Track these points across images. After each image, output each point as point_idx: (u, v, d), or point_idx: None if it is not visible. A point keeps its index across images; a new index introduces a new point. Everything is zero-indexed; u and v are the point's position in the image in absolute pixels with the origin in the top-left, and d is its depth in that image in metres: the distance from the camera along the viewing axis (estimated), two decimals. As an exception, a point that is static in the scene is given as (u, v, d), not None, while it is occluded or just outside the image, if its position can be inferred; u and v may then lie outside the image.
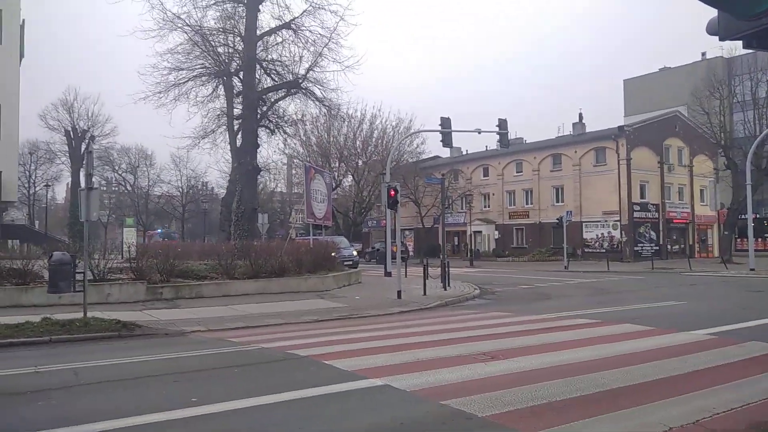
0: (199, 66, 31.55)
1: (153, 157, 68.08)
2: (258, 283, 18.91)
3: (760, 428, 5.36)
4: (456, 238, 57.39)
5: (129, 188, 68.51)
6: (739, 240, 46.05)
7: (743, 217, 36.14)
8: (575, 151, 47.21)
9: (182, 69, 30.89)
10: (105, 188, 71.92)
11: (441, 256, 27.45)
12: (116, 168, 66.93)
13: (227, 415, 5.96)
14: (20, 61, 28.11)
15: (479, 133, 28.77)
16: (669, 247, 46.13)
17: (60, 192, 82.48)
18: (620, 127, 44.92)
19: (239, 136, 31.87)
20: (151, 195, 68.26)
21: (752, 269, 29.46)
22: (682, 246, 47.08)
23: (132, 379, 7.73)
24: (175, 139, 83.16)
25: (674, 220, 46.67)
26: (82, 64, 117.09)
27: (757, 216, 42.35)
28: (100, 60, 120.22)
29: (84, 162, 12.40)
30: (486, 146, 57.98)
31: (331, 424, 5.65)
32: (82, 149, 52.79)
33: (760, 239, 45.04)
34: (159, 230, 62.69)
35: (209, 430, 5.50)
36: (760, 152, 36.47)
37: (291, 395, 6.62)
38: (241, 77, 31.68)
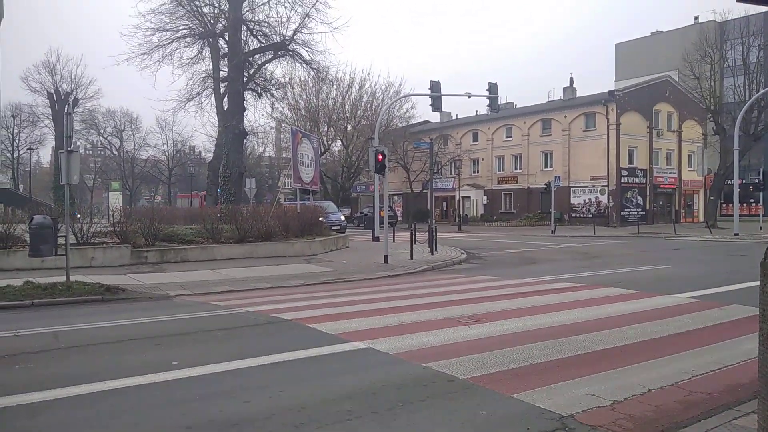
0: (183, 26, 30.83)
1: (139, 120, 67.21)
2: (244, 248, 18.82)
3: (737, 390, 5.40)
4: (445, 204, 57.40)
5: (115, 152, 67.59)
6: (724, 205, 46.44)
7: (730, 182, 36.34)
8: (565, 116, 46.97)
9: (166, 30, 30.21)
10: (90, 152, 70.98)
11: (429, 221, 27.41)
12: (101, 131, 65.86)
13: (208, 378, 5.93)
14: (-1, 21, 27.26)
15: (469, 97, 28.46)
16: (655, 211, 46.46)
17: (45, 156, 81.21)
18: (611, 92, 44.64)
19: (225, 99, 31.33)
20: (137, 159, 67.43)
21: (736, 234, 29.75)
22: (669, 211, 47.41)
23: (113, 342, 7.67)
24: (161, 102, 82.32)
25: (661, 185, 46.87)
26: (64, 24, 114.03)
27: (744, 181, 42.62)
28: (82, 20, 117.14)
29: (65, 124, 12.09)
30: (476, 111, 57.54)
31: (312, 387, 5.63)
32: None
33: (745, 204, 45.41)
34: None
35: (190, 393, 5.46)
36: (748, 117, 36.46)
37: (274, 358, 6.59)
38: (227, 39, 30.96)
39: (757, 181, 49.29)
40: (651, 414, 4.80)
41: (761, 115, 37.94)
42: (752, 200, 48.10)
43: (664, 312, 9.21)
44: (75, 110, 49.54)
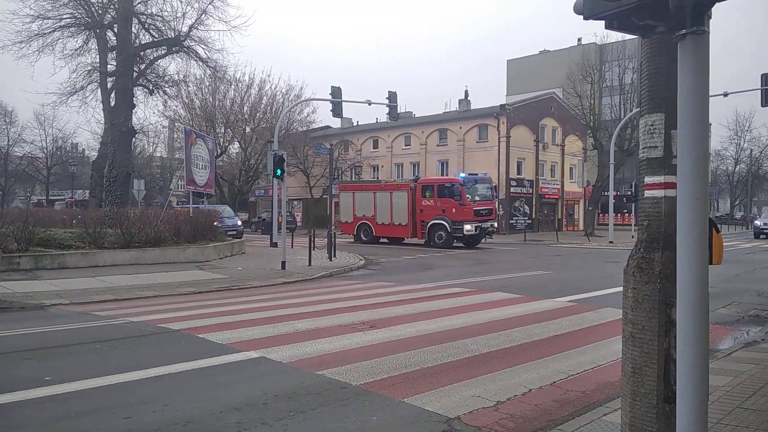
0: (67, 15, 28.66)
1: (14, 114, 61.32)
2: (130, 253, 17.81)
3: (607, 388, 5.85)
4: (344, 209, 57.49)
5: (-16, 148, 61.51)
6: (601, 215, 50.21)
7: (606, 193, 39.36)
8: (460, 127, 48.73)
9: (48, 17, 27.94)
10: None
11: (328, 227, 27.38)
12: (-31, 124, 59.71)
13: (86, 393, 5.55)
14: None
15: (369, 104, 28.77)
16: (541, 220, 49.32)
17: None
18: (502, 106, 46.90)
19: (113, 94, 29.50)
20: (11, 156, 61.77)
21: (611, 242, 32.28)
22: (552, 219, 50.51)
23: (-25, 358, 6.98)
24: (39, 95, 76.11)
25: (546, 196, 49.84)
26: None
27: (618, 193, 46.23)
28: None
29: None
30: (377, 119, 58.27)
31: (200, 399, 5.42)
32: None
33: (619, 214, 49.38)
34: None
35: (64, 410, 5.07)
36: (623, 134, 39.67)
37: (159, 371, 6.29)
38: (116, 31, 29.20)
39: (630, 193, 53.66)
40: (531, 413, 5.09)
41: (634, 132, 41.38)
42: (626, 211, 52.35)
43: (545, 315, 9.79)
44: (-64, 99, 44.63)
